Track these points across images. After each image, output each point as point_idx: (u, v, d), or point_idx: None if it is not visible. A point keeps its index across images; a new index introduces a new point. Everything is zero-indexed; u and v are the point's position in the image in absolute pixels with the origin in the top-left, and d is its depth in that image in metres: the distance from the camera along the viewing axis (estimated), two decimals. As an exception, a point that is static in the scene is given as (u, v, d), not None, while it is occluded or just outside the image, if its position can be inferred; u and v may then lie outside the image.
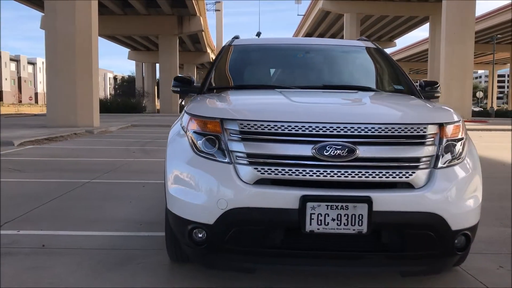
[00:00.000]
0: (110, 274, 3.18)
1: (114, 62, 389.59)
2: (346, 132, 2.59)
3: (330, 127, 2.60)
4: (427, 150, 2.65)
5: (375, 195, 2.53)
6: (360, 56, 4.34)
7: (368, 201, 2.50)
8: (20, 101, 79.88)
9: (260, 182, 2.60)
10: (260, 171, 2.59)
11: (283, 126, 2.62)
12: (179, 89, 4.06)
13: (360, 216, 2.51)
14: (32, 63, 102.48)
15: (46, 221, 4.51)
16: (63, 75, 19.25)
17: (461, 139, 2.83)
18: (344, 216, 2.52)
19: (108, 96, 71.82)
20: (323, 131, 2.59)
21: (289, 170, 2.57)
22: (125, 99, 48.51)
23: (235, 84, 4.04)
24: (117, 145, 12.66)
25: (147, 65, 63.41)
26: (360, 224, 2.52)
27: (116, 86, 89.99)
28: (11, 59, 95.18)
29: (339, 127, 2.60)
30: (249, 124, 2.65)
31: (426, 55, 53.84)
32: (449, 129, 2.78)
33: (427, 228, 2.59)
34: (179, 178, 2.82)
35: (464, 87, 30.02)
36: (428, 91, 4.06)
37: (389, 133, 2.62)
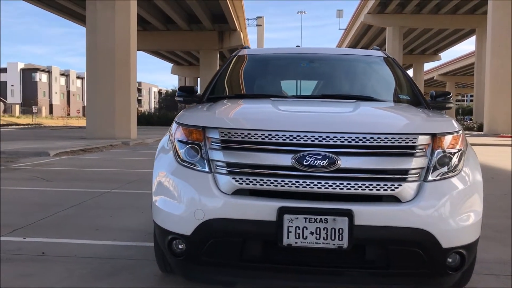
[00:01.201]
0: (98, 283, 3.15)
1: (159, 77, 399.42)
2: (328, 141, 2.47)
3: (312, 136, 2.49)
4: (417, 162, 2.49)
5: (357, 208, 2.39)
6: (366, 65, 4.19)
7: (349, 214, 2.37)
8: (69, 114, 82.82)
9: (238, 192, 2.51)
10: (238, 181, 2.50)
11: (263, 134, 2.53)
12: (182, 99, 4.05)
13: (340, 230, 2.38)
14: (80, 77, 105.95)
15: (54, 229, 4.56)
16: (102, 89, 19.84)
17: (458, 150, 2.65)
18: (323, 229, 2.39)
19: (153, 110, 73.48)
20: (304, 140, 2.48)
21: (267, 180, 2.47)
22: (165, 112, 49.52)
23: (233, 94, 3.98)
24: (149, 157, 12.82)
25: (189, 80, 64.65)
26: (340, 239, 2.38)
27: (160, 100, 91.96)
28: (61, 74, 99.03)
29: (321, 136, 2.48)
30: (229, 133, 2.58)
31: (472, 69, 52.28)
32: (444, 140, 2.61)
33: (414, 245, 2.42)
34: (162, 187, 2.78)
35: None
36: (440, 101, 3.88)
37: (374, 143, 2.48)
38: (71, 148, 13.82)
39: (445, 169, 2.56)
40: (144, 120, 43.02)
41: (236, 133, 2.56)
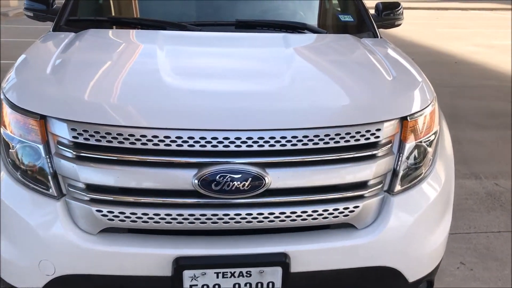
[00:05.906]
0: None
1: None
2: (251, 146, 1.54)
3: (224, 139, 1.53)
4: (380, 166, 1.66)
5: (294, 249, 1.59)
6: None
7: (283, 263, 1.56)
8: None
9: (109, 231, 1.59)
10: (107, 215, 1.55)
11: (144, 137, 1.53)
12: (32, 14, 2.88)
13: (270, 284, 1.59)
14: None
15: None
16: None
17: (434, 134, 1.84)
18: (245, 285, 1.58)
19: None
20: (212, 146, 1.53)
21: (155, 214, 1.55)
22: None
23: (104, 15, 2.83)
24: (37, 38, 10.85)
25: None
26: (269, 295, 1.60)
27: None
28: None
29: (239, 139, 1.53)
30: (86, 131, 1.55)
31: None
32: (416, 123, 1.77)
33: (373, 287, 1.72)
34: None
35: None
36: (386, 18, 2.99)
37: (320, 145, 1.58)
38: None
39: (415, 168, 1.76)
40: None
41: (97, 132, 1.54)
